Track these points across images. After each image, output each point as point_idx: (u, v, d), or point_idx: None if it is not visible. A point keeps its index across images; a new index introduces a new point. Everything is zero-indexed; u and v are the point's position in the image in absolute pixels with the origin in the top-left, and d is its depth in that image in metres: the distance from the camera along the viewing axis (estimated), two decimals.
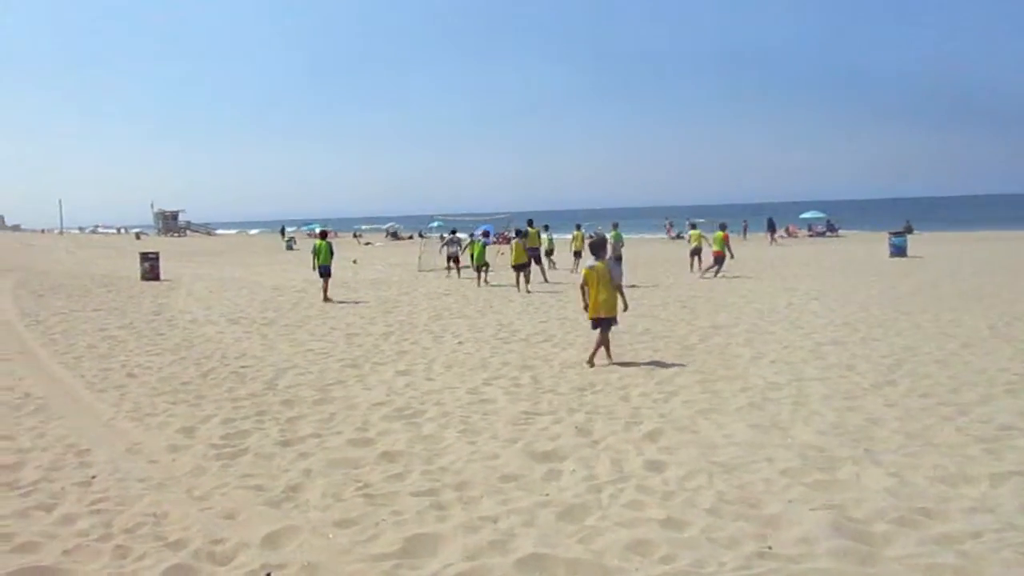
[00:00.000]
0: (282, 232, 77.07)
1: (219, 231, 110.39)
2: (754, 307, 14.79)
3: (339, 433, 6.65)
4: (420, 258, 28.50)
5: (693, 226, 25.86)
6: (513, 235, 21.72)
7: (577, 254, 24.03)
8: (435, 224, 61.06)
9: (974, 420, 6.56)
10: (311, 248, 18.48)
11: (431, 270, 26.72)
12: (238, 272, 28.89)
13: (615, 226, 25.63)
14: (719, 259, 21.10)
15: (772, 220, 46.80)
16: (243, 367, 9.79)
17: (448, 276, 23.88)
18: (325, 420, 7.10)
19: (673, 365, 9.33)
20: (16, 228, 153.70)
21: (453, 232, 25.34)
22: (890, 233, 30.73)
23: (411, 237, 66.81)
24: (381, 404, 7.64)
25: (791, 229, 53.41)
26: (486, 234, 21.04)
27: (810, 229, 54.46)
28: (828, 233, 52.50)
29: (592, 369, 9.16)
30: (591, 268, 9.40)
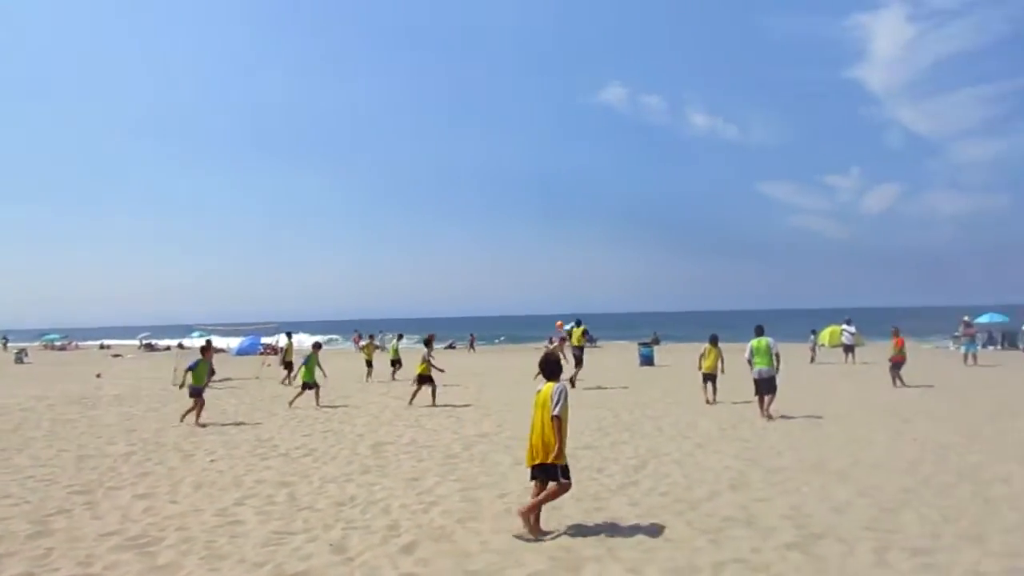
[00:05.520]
0: (3, 343, 67.85)
1: None
2: (518, 415, 15.29)
3: (56, 570, 5.86)
4: (176, 371, 26.48)
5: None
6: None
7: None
8: (196, 335, 57.55)
9: (702, 514, 7.21)
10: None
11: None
12: None
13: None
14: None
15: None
16: None
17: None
18: (40, 556, 6.22)
19: (435, 475, 9.35)
20: None
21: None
22: (639, 344, 33.45)
23: (168, 348, 62.24)
24: (112, 533, 6.86)
25: (553, 340, 56.35)
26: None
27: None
28: (588, 344, 55.95)
29: (353, 485, 8.91)
30: (539, 390, 6.70)
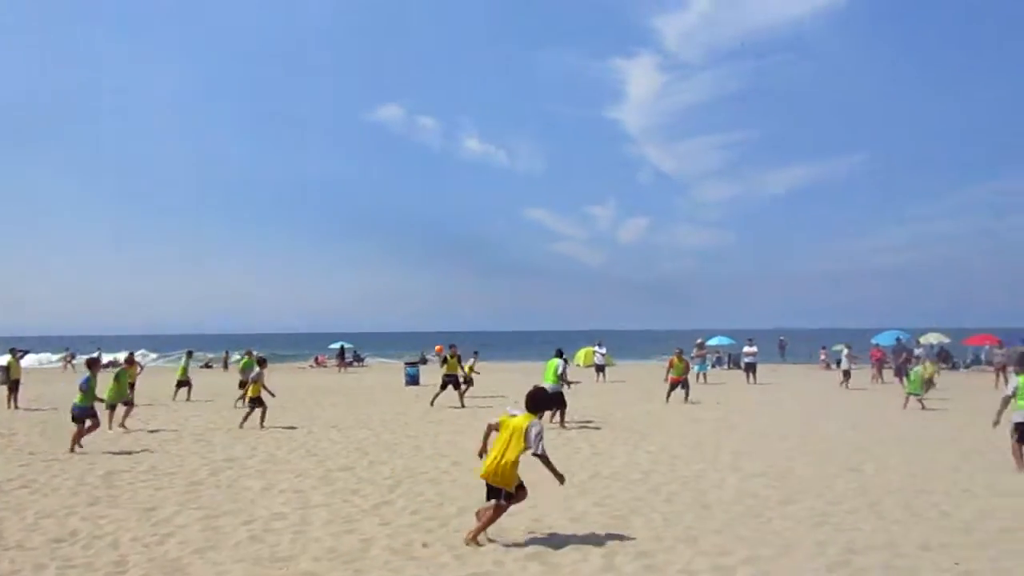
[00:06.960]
0: None
1: None
2: (273, 436, 14.70)
3: None
4: None
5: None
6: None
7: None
8: None
9: (451, 531, 7.36)
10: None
11: None
12: None
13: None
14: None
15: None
16: None
17: None
18: None
19: (175, 503, 8.71)
20: None
21: None
22: (405, 363, 33.53)
23: None
24: None
25: (320, 359, 55.04)
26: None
27: (340, 359, 56.66)
28: (355, 363, 55.16)
29: (77, 518, 8.05)
30: (512, 415, 7.02)
